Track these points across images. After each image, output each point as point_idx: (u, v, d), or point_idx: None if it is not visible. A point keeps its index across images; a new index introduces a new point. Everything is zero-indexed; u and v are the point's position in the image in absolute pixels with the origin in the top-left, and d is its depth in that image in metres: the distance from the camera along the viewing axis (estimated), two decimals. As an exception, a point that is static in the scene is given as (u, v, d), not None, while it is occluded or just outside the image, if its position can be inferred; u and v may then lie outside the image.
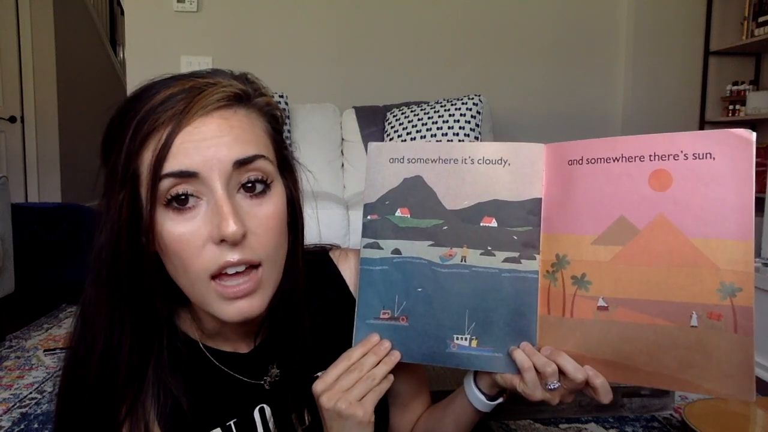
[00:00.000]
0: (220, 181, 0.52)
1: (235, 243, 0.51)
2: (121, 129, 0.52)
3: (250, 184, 0.54)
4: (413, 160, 0.65)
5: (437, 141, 2.42)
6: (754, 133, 0.52)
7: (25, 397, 1.52)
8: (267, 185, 0.55)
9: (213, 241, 0.52)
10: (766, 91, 2.98)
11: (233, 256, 0.52)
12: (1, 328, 2.01)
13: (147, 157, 0.51)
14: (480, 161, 0.63)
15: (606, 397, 0.57)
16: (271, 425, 0.64)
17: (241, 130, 0.54)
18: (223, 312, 0.54)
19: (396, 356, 0.62)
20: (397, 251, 0.65)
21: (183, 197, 0.51)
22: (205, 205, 0.52)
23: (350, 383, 0.59)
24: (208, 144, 0.51)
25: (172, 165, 0.51)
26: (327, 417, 0.59)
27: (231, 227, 0.50)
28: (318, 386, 0.59)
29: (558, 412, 1.32)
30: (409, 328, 0.63)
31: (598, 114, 3.16)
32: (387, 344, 0.62)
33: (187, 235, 0.52)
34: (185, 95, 0.52)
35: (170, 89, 0.52)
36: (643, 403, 1.34)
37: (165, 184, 0.51)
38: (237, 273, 0.53)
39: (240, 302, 0.54)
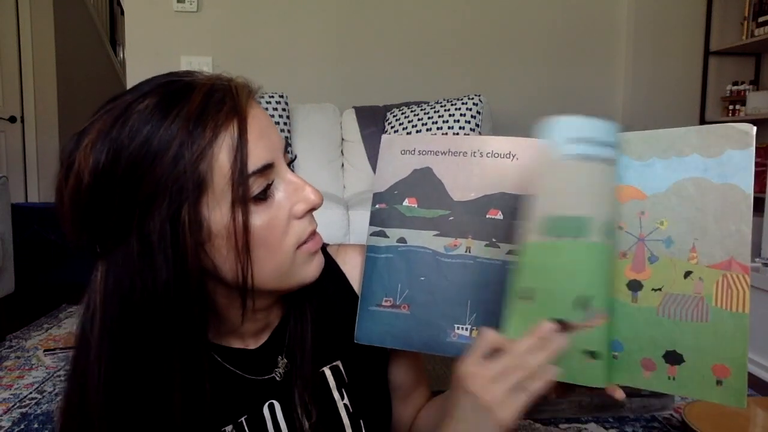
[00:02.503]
0: (284, 162, 0.56)
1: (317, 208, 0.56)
2: (160, 144, 0.48)
3: (290, 165, 0.58)
4: (424, 152, 0.66)
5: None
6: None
7: (25, 397, 1.52)
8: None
9: (296, 216, 0.55)
10: (766, 91, 2.98)
11: (314, 224, 0.58)
12: (1, 328, 2.01)
13: (221, 160, 0.49)
14: (489, 155, 0.63)
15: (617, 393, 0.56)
16: (280, 420, 0.64)
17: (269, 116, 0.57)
18: (308, 271, 0.58)
19: (560, 341, 0.50)
20: (402, 240, 0.65)
21: (264, 191, 0.53)
22: (277, 189, 0.54)
23: (501, 370, 0.49)
24: (268, 131, 0.54)
25: (253, 162, 0.51)
26: (463, 403, 0.51)
27: (319, 195, 0.56)
28: (462, 367, 0.51)
29: (558, 412, 1.32)
30: (410, 316, 0.63)
31: (598, 114, 3.10)
32: (550, 327, 0.50)
33: (273, 221, 0.53)
34: (222, 93, 0.51)
35: (198, 91, 0.50)
36: (643, 403, 1.34)
37: (249, 182, 0.51)
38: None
39: (316, 257, 0.59)
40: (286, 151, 0.57)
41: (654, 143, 0.53)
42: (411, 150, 0.66)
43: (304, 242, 0.57)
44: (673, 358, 0.51)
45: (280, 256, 0.55)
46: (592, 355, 0.52)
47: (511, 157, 0.62)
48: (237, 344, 0.64)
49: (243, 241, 0.51)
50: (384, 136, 0.68)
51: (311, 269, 0.58)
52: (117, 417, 0.51)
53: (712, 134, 0.50)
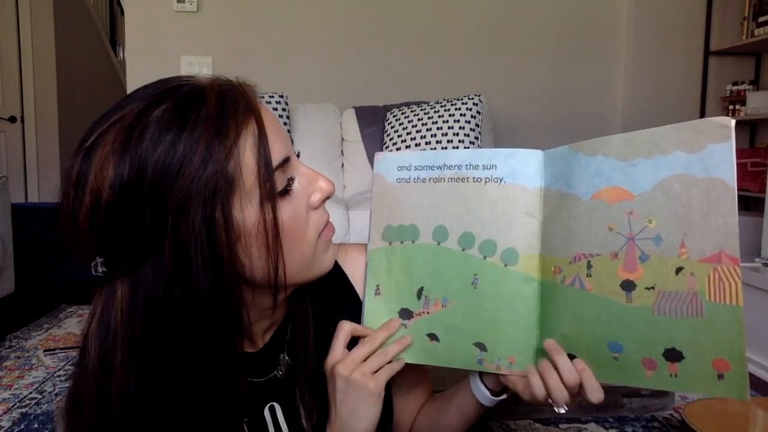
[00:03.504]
0: (295, 156, 0.57)
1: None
2: (187, 147, 0.47)
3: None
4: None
5: (437, 142, 2.42)
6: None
7: (25, 397, 1.52)
8: None
9: (313, 206, 0.56)
10: (766, 91, 2.98)
11: (327, 211, 0.60)
12: (1, 328, 2.01)
13: (247, 157, 0.49)
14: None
15: (595, 395, 0.56)
16: (281, 422, 0.64)
17: None
18: (327, 259, 0.60)
19: (407, 339, 0.64)
20: None
21: (289, 182, 0.54)
22: (294, 182, 0.55)
23: (363, 355, 0.61)
24: (280, 127, 0.55)
25: (275, 157, 0.52)
26: (340, 387, 0.60)
27: (332, 184, 0.58)
28: (331, 359, 0.62)
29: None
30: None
31: (598, 114, 3.16)
32: (398, 322, 0.64)
33: (296, 213, 0.54)
34: (233, 93, 0.51)
35: (210, 93, 0.50)
36: (643, 403, 1.34)
37: (274, 176, 0.51)
38: None
39: (332, 247, 0.61)
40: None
41: (637, 144, 0.53)
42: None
43: (321, 232, 0.58)
44: (672, 355, 0.51)
45: (305, 247, 0.56)
46: (433, 337, 0.63)
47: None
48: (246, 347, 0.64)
49: (274, 236, 0.51)
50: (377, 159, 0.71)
51: (329, 257, 0.60)
52: None
53: (693, 130, 0.50)
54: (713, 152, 0.49)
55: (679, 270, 0.51)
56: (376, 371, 0.61)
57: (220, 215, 0.48)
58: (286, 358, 0.65)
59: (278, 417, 0.64)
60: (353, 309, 0.68)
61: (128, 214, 0.47)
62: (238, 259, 0.51)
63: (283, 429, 0.64)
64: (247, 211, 0.50)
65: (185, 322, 0.49)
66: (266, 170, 0.50)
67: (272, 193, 0.50)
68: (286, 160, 0.53)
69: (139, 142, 0.46)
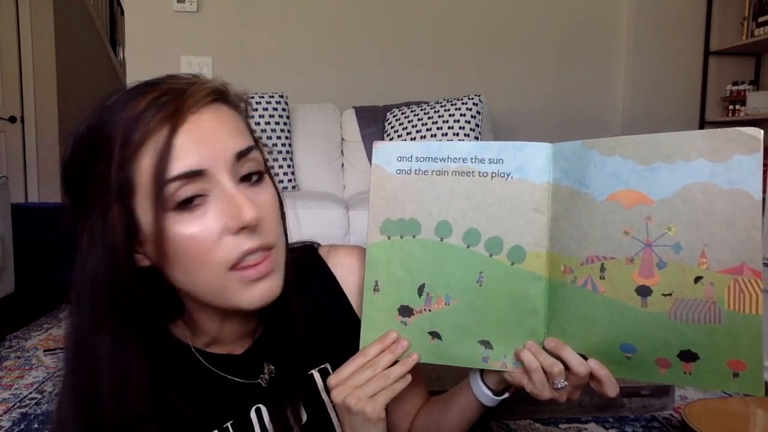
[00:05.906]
0: (227, 173, 0.52)
1: (253, 229, 0.52)
2: (104, 140, 0.51)
3: (248, 176, 0.54)
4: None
5: (437, 141, 2.42)
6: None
7: (25, 397, 1.52)
8: (261, 175, 0.56)
9: (230, 232, 0.51)
10: (766, 91, 2.98)
11: (252, 243, 0.52)
12: (1, 328, 2.01)
13: (145, 163, 0.50)
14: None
15: (612, 390, 0.57)
16: (267, 425, 0.64)
17: (232, 123, 0.54)
18: (246, 298, 0.54)
19: (414, 358, 0.61)
20: None
21: (191, 199, 0.51)
22: (214, 200, 0.52)
23: (363, 380, 0.59)
24: (210, 138, 0.51)
25: (177, 167, 0.49)
26: (338, 411, 0.60)
27: (250, 213, 0.51)
28: (331, 380, 0.60)
29: (558, 412, 1.32)
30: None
31: (598, 114, 3.16)
32: (405, 343, 0.61)
33: (201, 233, 0.51)
34: (170, 97, 0.51)
35: (149, 95, 0.51)
36: (643, 403, 1.34)
37: (171, 188, 0.49)
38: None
39: (260, 284, 0.54)
40: (247, 175, 0.54)
41: (658, 147, 0.52)
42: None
43: (238, 265, 0.53)
44: (688, 356, 0.51)
45: (208, 273, 0.52)
46: (435, 335, 0.61)
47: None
48: (221, 351, 0.64)
49: (159, 245, 0.51)
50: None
51: (248, 297, 0.54)
52: (79, 389, 0.55)
53: (719, 138, 0.49)
54: (741, 164, 0.48)
55: (698, 279, 0.50)
56: (376, 394, 0.58)
57: (115, 212, 0.51)
58: (271, 367, 0.65)
59: (264, 419, 0.64)
60: (342, 312, 0.67)
61: (66, 190, 0.55)
62: (143, 259, 0.54)
63: (269, 431, 0.64)
64: (147, 216, 0.51)
65: (92, 294, 0.53)
66: (159, 178, 0.49)
67: (163, 202, 0.50)
68: (194, 174, 0.50)
69: (81, 124, 0.53)
